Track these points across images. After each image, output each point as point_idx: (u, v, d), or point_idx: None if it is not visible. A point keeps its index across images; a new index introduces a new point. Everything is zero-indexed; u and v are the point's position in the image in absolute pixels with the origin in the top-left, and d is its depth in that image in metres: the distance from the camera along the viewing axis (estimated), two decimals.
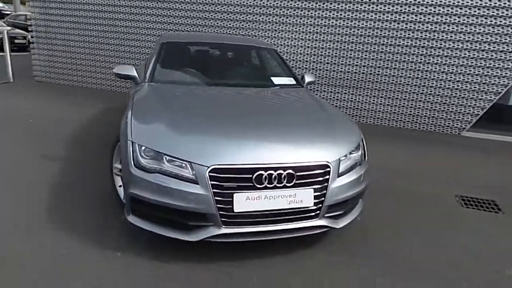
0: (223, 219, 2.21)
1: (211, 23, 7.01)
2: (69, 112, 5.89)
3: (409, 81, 6.24)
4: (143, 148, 2.31)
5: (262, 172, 2.21)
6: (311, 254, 2.52)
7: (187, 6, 7.07)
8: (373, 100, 6.51)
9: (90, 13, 7.75)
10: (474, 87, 5.96)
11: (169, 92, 3.09)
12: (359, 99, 6.57)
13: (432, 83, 6.14)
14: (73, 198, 3.08)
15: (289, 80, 3.67)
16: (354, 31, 6.29)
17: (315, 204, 2.33)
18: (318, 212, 2.37)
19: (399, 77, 6.26)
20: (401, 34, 6.08)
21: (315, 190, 2.32)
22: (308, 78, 3.81)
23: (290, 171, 2.25)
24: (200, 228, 2.26)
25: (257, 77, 3.86)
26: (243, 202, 2.20)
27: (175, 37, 4.14)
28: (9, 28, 15.42)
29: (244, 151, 2.29)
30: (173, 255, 2.39)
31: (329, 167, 2.36)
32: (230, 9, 6.84)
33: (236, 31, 6.93)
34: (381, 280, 2.31)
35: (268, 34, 6.74)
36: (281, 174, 2.24)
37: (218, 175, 2.17)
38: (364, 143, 2.80)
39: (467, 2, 5.68)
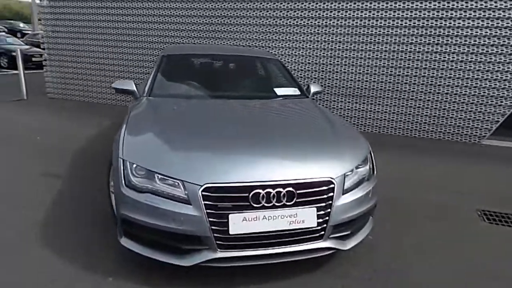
0: (218, 242, 2.04)
1: (217, 35, 6.95)
2: (77, 128, 5.88)
3: (423, 88, 5.99)
4: (134, 166, 2.19)
5: (260, 190, 2.04)
6: (316, 279, 2.32)
7: (192, 20, 7.04)
8: (385, 109, 6.27)
9: (98, 30, 7.83)
10: (493, 93, 5.67)
11: (166, 106, 2.98)
12: (369, 108, 6.35)
13: (448, 90, 5.87)
14: (68, 217, 2.97)
15: (293, 91, 3.52)
16: (362, 39, 6.12)
17: (319, 224, 2.15)
18: (323, 233, 2.18)
19: (412, 84, 6.03)
20: (412, 40, 5.87)
21: (318, 209, 2.14)
22: (313, 88, 3.65)
23: (290, 188, 2.08)
24: (194, 252, 2.10)
25: (259, 89, 3.72)
26: (240, 223, 2.03)
27: (176, 49, 4.06)
28: (27, 46, 15.94)
29: (240, 168, 2.14)
30: (166, 280, 2.24)
31: (333, 183, 2.18)
32: (236, 21, 6.77)
33: (241, 42, 6.85)
34: None
35: (274, 44, 6.63)
36: (280, 192, 2.07)
37: (212, 194, 2.02)
38: (373, 156, 2.61)
39: (481, 5, 5.44)
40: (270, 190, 2.06)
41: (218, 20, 6.89)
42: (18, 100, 7.92)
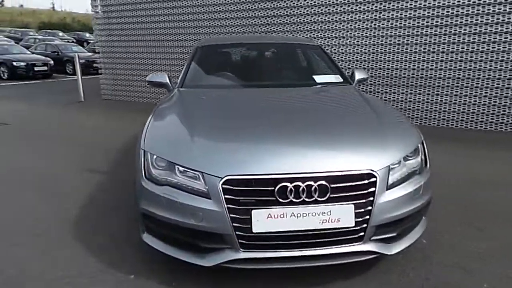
0: (240, 241, 1.83)
1: (261, 29, 6.76)
2: (123, 126, 6.02)
3: (490, 75, 5.28)
4: (155, 157, 2.05)
5: (287, 183, 1.79)
6: (356, 287, 2.01)
7: (235, 14, 6.92)
8: (447, 99, 5.63)
9: (146, 34, 8.07)
10: None
11: (195, 96, 2.83)
12: (426, 99, 5.74)
13: None
14: (102, 212, 2.94)
15: (335, 78, 3.19)
16: (417, 22, 5.55)
17: (358, 223, 1.84)
18: (362, 234, 1.87)
19: (477, 70, 5.34)
20: (485, 19, 5.21)
21: (357, 206, 1.84)
22: (358, 75, 3.29)
23: (323, 182, 1.80)
24: (215, 252, 1.90)
25: (297, 77, 3.44)
26: (264, 220, 1.80)
27: (211, 40, 3.93)
28: (89, 54, 17.05)
29: (265, 158, 1.90)
30: (190, 281, 2.07)
31: (374, 176, 1.86)
32: (277, 11, 6.53)
33: (279, 32, 6.59)
34: None
35: (319, 34, 6.29)
36: (311, 186, 1.80)
37: (233, 187, 1.81)
38: (425, 147, 2.23)
39: None
40: (299, 183, 1.79)
41: (263, 13, 6.71)
42: (76, 102, 8.40)
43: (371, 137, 2.12)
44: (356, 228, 1.85)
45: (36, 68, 13.68)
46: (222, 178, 1.82)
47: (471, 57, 5.34)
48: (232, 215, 1.80)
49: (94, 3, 8.59)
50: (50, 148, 4.80)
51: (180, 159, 1.96)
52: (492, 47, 5.20)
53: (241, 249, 1.84)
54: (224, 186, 1.81)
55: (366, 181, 1.86)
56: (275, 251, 1.85)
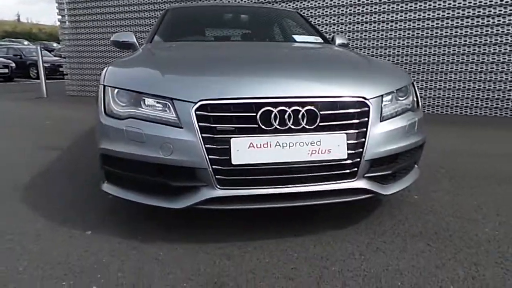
0: (217, 176, 1.57)
1: None
2: (84, 115, 5.63)
3: (494, 59, 5.17)
4: (116, 91, 1.77)
5: (271, 108, 1.57)
6: (346, 235, 1.79)
7: None
8: (447, 86, 5.50)
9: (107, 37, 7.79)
10: None
11: (164, 46, 2.57)
12: (428, 85, 5.64)
13: None
14: (60, 179, 2.60)
15: (315, 39, 3.01)
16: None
17: (350, 156, 1.63)
18: (355, 169, 1.66)
19: (481, 54, 5.25)
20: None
21: (349, 137, 1.63)
22: (339, 40, 3.11)
23: (311, 107, 1.59)
24: (188, 191, 1.63)
25: (275, 36, 3.26)
26: (245, 151, 1.55)
27: (184, 5, 3.70)
28: (56, 58, 16.40)
29: (245, 79, 1.68)
30: (157, 232, 1.78)
31: (367, 105, 1.67)
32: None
33: None
34: (451, 269, 1.53)
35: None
36: (299, 111, 1.58)
37: (209, 113, 1.56)
38: (415, 88, 2.07)
39: None
40: (285, 108, 1.57)
41: None
42: (39, 98, 7.95)
43: (362, 70, 1.96)
44: (349, 161, 1.64)
45: None
46: (195, 103, 1.57)
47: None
48: (207, 146, 1.55)
49: (60, 6, 8.33)
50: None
51: (146, 88, 1.70)
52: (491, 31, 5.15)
53: (218, 186, 1.58)
54: (198, 112, 1.56)
55: (359, 110, 1.66)
56: (258, 188, 1.60)
